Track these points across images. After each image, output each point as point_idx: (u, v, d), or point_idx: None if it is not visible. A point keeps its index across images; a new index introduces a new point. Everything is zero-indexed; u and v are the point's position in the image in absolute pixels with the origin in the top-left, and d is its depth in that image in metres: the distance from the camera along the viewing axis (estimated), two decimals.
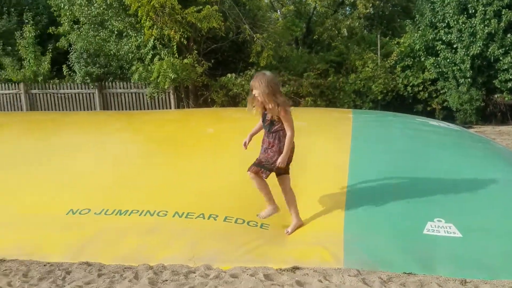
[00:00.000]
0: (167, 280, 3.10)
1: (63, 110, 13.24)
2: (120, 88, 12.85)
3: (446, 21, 12.01)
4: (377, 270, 3.13)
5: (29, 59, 13.32)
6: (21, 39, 13.50)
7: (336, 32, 17.54)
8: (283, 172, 3.92)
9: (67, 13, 12.92)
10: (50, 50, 13.64)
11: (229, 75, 11.81)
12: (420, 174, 4.54)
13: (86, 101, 13.16)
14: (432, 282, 2.93)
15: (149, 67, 11.62)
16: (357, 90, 12.02)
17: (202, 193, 4.42)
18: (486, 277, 3.04)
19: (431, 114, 11.94)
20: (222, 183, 4.58)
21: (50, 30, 13.99)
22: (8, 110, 13.45)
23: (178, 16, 10.58)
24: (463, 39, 11.66)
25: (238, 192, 4.32)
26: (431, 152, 5.19)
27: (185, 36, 11.01)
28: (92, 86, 12.94)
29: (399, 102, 12.76)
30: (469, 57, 11.51)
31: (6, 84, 13.41)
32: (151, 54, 11.65)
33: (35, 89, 13.34)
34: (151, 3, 10.36)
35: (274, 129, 3.82)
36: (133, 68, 11.81)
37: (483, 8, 11.37)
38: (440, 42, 12.12)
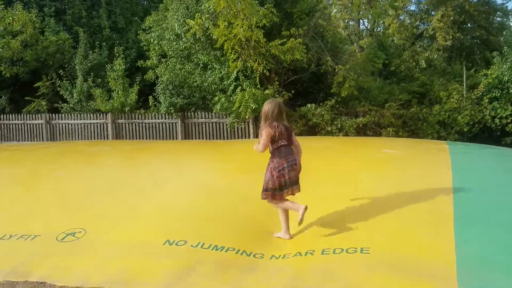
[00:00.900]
0: None
1: (146, 139, 13.88)
2: (201, 118, 13.30)
3: None
4: None
5: (118, 91, 14.17)
6: (111, 71, 14.47)
7: (414, 63, 17.34)
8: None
9: (156, 48, 13.77)
10: (138, 82, 14.49)
11: (308, 105, 11.89)
12: None
13: (169, 130, 13.73)
14: None
15: (231, 97, 11.99)
16: (442, 121, 11.64)
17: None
18: None
19: None
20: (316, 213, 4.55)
21: (139, 64, 14.97)
22: (95, 138, 14.29)
23: (262, 49, 10.89)
24: None
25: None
26: None
27: (268, 67, 11.29)
28: (175, 116, 13.49)
29: (487, 135, 12.20)
30: None
31: (95, 114, 14.30)
32: (234, 85, 12.04)
33: (121, 118, 14.11)
34: (237, 37, 10.76)
35: (270, 151, 4.30)
36: (216, 98, 12.22)
37: None
38: None
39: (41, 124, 14.45)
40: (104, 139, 14.16)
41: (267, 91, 11.46)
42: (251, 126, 12.96)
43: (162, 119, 13.82)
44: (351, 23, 21.66)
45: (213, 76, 12.45)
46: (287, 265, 3.71)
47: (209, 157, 8.06)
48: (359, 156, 6.96)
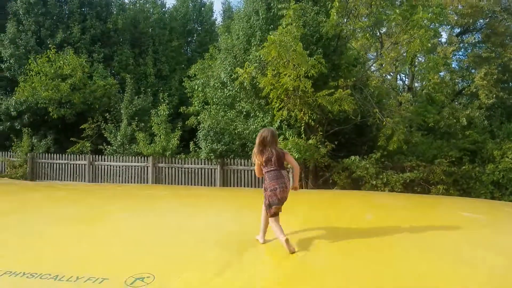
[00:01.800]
0: None
1: (185, 184, 13.83)
2: (241, 165, 13.20)
3: None
4: None
5: (160, 135, 14.35)
6: (155, 116, 14.73)
7: (454, 120, 16.98)
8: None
9: (200, 94, 14.01)
10: (179, 128, 14.67)
11: (352, 157, 11.63)
12: None
13: (208, 176, 13.66)
14: None
15: None
16: (496, 181, 11.12)
17: None
18: None
19: None
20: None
21: (181, 110, 15.22)
22: (135, 181, 14.36)
23: (309, 99, 10.87)
24: None
25: None
26: None
27: (313, 117, 11.21)
28: (215, 162, 13.46)
29: None
30: None
31: (136, 157, 14.43)
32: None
33: (162, 162, 14.19)
34: (284, 87, 10.80)
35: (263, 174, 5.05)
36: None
37: None
38: None
39: (84, 164, 14.67)
40: (144, 182, 14.20)
41: (310, 141, 11.32)
42: (291, 175, 12.74)
43: (201, 164, 13.81)
44: (388, 77, 21.67)
45: (256, 124, 12.45)
46: None
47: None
48: (437, 218, 6.49)
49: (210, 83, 13.35)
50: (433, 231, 5.49)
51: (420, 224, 5.94)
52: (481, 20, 20.30)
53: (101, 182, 14.54)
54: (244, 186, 13.23)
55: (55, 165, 15.09)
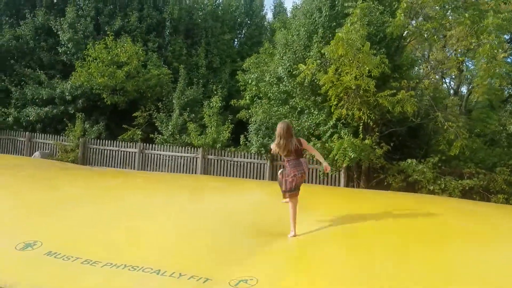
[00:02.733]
0: None
1: (233, 176, 13.90)
2: None
3: None
4: None
5: (211, 127, 14.46)
6: (207, 108, 14.83)
7: (501, 128, 16.41)
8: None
9: (253, 88, 14.00)
10: (230, 120, 14.73)
11: (409, 160, 11.38)
12: None
13: (257, 170, 13.69)
14: None
15: (327, 144, 11.77)
16: None
17: None
18: None
19: None
20: None
21: (232, 103, 15.27)
22: (183, 172, 14.51)
23: (370, 98, 10.70)
24: None
25: None
26: None
27: (372, 117, 11.04)
28: (265, 157, 13.46)
29: None
30: None
31: (186, 148, 14.58)
32: (330, 132, 11.86)
33: (211, 154, 14.30)
34: (345, 85, 10.67)
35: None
36: (310, 144, 12.04)
37: None
38: None
39: (135, 152, 14.96)
40: (193, 173, 14.36)
41: (366, 141, 11.15)
42: (342, 175, 12.62)
43: (251, 158, 13.84)
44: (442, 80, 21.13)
45: (309, 121, 12.35)
46: None
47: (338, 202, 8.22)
48: None
49: (265, 77, 13.31)
50: None
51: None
52: None
53: (150, 170, 14.78)
54: None
55: (105, 151, 15.39)
